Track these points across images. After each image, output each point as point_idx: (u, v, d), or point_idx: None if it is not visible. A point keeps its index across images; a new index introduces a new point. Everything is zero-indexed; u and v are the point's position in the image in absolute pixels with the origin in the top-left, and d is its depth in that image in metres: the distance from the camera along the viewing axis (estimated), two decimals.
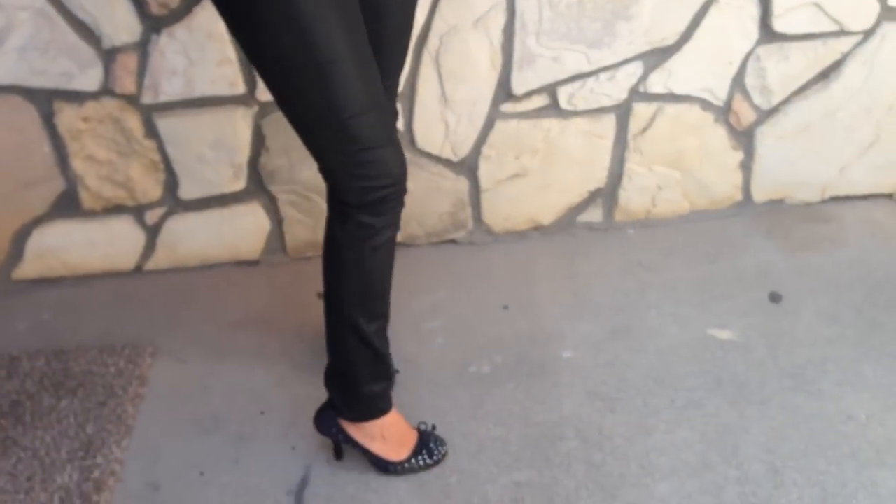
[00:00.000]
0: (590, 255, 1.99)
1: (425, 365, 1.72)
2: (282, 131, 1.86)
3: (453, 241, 2.04)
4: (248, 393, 1.70)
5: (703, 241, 1.99)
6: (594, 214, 2.07)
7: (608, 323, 1.81)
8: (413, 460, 1.50)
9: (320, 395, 1.58)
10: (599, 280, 1.92)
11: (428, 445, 1.51)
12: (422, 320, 1.84)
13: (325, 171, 1.22)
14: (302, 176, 1.93)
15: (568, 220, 2.07)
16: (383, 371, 1.44)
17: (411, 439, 1.50)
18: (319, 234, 1.94)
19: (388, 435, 1.47)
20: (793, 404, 1.57)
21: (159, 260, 2.02)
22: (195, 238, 1.99)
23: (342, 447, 1.53)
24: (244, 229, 1.98)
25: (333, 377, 1.44)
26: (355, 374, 1.40)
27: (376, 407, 1.46)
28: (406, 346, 1.74)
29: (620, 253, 1.99)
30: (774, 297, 1.84)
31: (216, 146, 1.86)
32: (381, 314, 1.37)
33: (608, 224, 2.09)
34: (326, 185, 1.25)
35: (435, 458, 1.51)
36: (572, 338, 1.77)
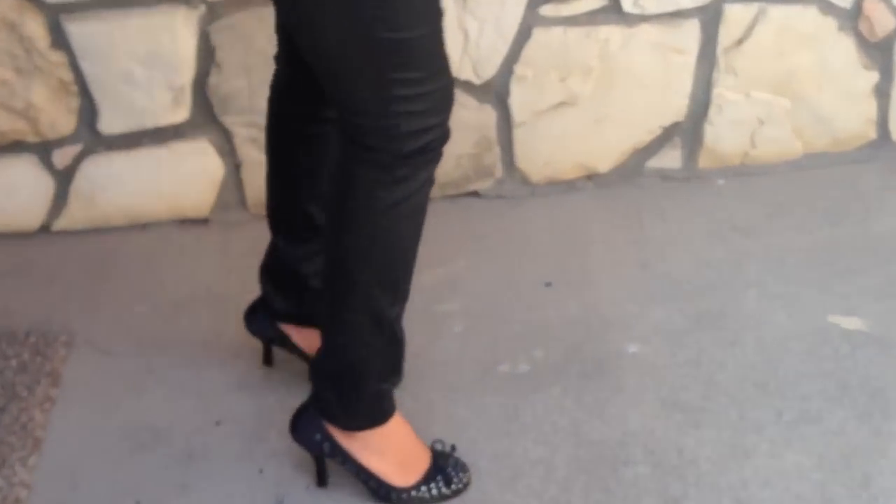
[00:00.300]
0: (664, 215, 2.00)
1: (440, 361, 1.74)
2: (238, 42, 1.88)
3: (476, 194, 2.07)
4: (198, 396, 1.72)
5: (823, 196, 2.01)
6: (670, 159, 2.08)
7: (690, 307, 1.83)
8: (424, 488, 1.51)
9: (294, 400, 1.59)
10: (677, 248, 1.94)
11: (444, 470, 1.52)
12: (435, 301, 1.85)
13: (354, 110, 1.25)
14: (266, 104, 1.92)
15: (634, 167, 2.09)
16: (397, 365, 1.48)
17: (422, 460, 1.52)
18: None
19: (391, 449, 1.50)
20: None
21: (74, 216, 2.03)
22: (122, 187, 2.00)
23: (326, 467, 1.54)
24: (189, 176, 2.00)
25: (329, 373, 1.47)
26: (364, 371, 1.44)
27: (381, 409, 1.48)
28: (414, 336, 1.65)
29: (707, 211, 1.99)
30: None
31: (149, 62, 1.87)
32: (405, 294, 1.42)
33: (689, 172, 2.10)
34: (344, 130, 1.29)
35: (454, 487, 1.52)
36: (640, 326, 1.79)
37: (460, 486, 1.53)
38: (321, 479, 1.55)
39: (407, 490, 1.51)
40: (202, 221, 2.05)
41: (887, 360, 1.70)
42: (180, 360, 1.78)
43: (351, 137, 1.27)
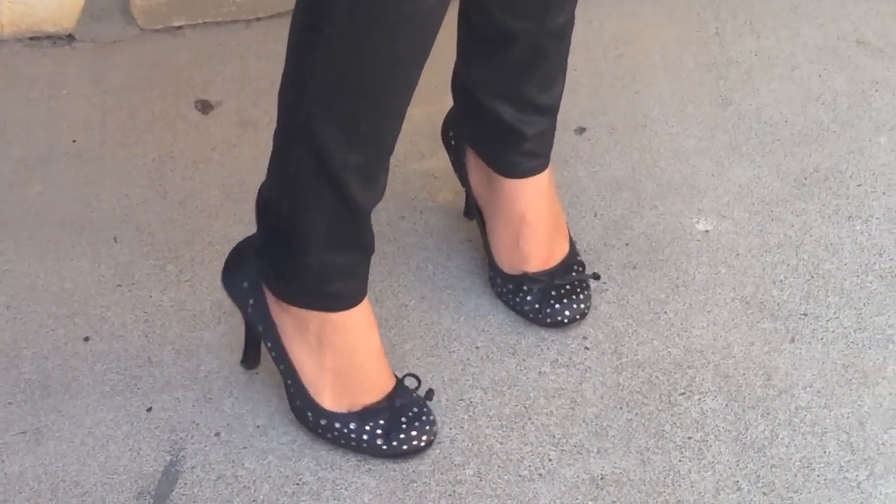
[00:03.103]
0: (755, 24, 2.04)
1: (417, 246, 1.78)
2: None
3: None
4: (57, 297, 1.73)
5: None
6: None
7: (790, 163, 1.84)
8: (354, 425, 1.54)
9: (202, 303, 1.68)
10: (773, 74, 1.95)
11: (396, 418, 1.54)
12: (414, 152, 1.86)
13: None
14: None
15: None
16: (357, 236, 1.51)
17: (373, 388, 1.55)
18: None
19: (333, 352, 1.54)
20: None
21: None
22: None
23: (258, 343, 1.60)
24: None
25: (268, 213, 1.51)
26: (300, 229, 1.48)
27: (326, 291, 1.51)
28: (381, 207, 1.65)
29: (820, 18, 2.03)
30: None
31: None
32: (368, 140, 1.43)
33: None
34: None
35: (394, 445, 1.54)
36: (715, 193, 1.81)
37: (406, 447, 1.54)
38: (249, 356, 1.61)
39: (329, 417, 1.54)
40: (66, 38, 2.06)
41: None
42: (30, 240, 1.80)
43: None
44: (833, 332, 1.63)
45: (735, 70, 1.98)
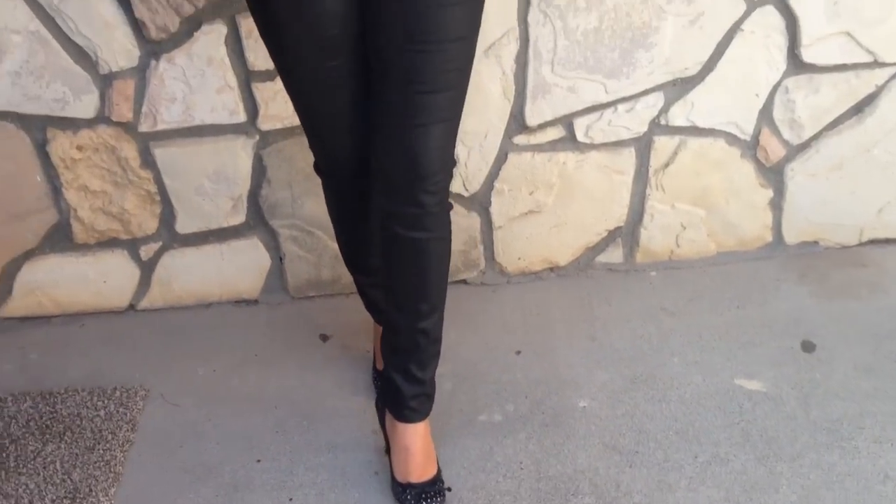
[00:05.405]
0: (609, 299, 1.99)
1: (433, 414, 1.67)
2: (284, 163, 1.87)
3: (464, 282, 2.05)
4: (244, 440, 1.70)
5: (731, 285, 1.99)
6: (614, 255, 2.05)
7: (627, 371, 1.81)
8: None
9: (321, 442, 1.65)
10: (619, 325, 1.92)
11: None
12: None
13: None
14: (304, 211, 1.93)
15: (586, 261, 2.05)
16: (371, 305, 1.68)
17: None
18: (322, 272, 2.01)
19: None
20: (826, 462, 1.57)
21: (154, 297, 2.04)
22: (192, 275, 2.00)
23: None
24: (243, 266, 2.00)
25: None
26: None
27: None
28: None
29: (641, 296, 1.99)
30: (807, 346, 1.84)
31: (215, 177, 1.88)
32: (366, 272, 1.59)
33: (629, 265, 2.06)
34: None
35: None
36: (589, 386, 1.77)
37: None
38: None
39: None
40: (253, 302, 2.05)
41: (780, 414, 1.70)
42: (232, 411, 1.77)
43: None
44: (651, 462, 1.60)
45: (599, 322, 1.93)
